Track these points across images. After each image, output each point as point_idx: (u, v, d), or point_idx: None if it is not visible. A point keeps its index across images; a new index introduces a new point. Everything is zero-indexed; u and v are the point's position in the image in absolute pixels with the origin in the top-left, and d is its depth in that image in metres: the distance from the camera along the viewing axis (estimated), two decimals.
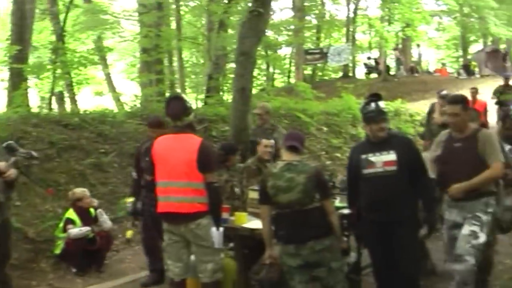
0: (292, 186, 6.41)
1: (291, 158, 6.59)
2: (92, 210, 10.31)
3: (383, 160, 6.71)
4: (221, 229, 6.86)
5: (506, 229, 7.95)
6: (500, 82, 24.23)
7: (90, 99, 33.10)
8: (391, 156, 6.69)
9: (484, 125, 8.77)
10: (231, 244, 8.06)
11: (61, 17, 24.65)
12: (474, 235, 6.60)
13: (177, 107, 6.93)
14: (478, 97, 18.19)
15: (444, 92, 14.92)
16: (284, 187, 6.44)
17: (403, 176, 6.67)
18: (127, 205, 9.36)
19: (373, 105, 6.84)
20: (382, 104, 6.89)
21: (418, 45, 44.68)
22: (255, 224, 7.53)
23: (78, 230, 9.84)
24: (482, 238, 6.62)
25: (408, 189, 6.72)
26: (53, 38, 25.91)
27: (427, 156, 7.34)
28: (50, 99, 23.05)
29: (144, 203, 9.04)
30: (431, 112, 14.77)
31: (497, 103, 19.52)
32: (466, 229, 6.67)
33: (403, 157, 6.68)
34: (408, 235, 6.74)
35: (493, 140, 6.88)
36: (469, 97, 16.91)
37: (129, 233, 10.28)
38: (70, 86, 26.32)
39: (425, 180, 6.87)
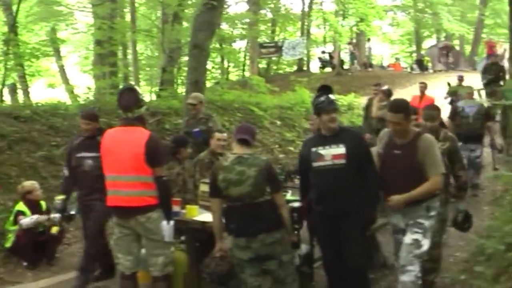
0: (242, 180, 6.41)
1: (242, 151, 6.59)
2: (42, 202, 10.22)
3: (332, 153, 6.72)
4: (172, 222, 6.86)
5: (464, 228, 8.10)
6: (452, 76, 24.50)
7: (44, 91, 32.82)
8: (340, 149, 6.70)
9: (443, 123, 8.69)
10: (183, 238, 8.05)
11: (14, 7, 24.31)
12: (416, 244, 6.55)
13: (129, 99, 6.90)
14: (428, 92, 18.16)
15: (386, 87, 15.08)
16: (234, 180, 6.44)
17: (352, 170, 6.68)
18: (57, 202, 8.84)
19: (323, 97, 6.87)
20: (332, 96, 6.93)
21: (368, 39, 44.68)
22: (207, 217, 7.52)
23: (29, 219, 9.76)
24: (425, 245, 6.60)
25: (357, 182, 6.72)
26: (5, 29, 25.57)
27: (374, 151, 7.35)
28: (1, 91, 22.77)
29: (78, 200, 8.82)
30: (368, 106, 15.05)
31: (450, 103, 19.56)
32: (408, 238, 6.63)
33: (352, 151, 6.69)
34: (356, 228, 6.76)
35: (433, 149, 6.70)
36: (418, 92, 17.35)
37: (54, 229, 10.12)
38: (23, 78, 26.02)
39: (372, 175, 6.90)
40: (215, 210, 6.69)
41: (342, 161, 6.67)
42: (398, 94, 30.82)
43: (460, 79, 22.17)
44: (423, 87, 17.94)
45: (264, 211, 6.47)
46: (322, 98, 6.86)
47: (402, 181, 6.60)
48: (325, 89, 7.03)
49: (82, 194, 8.61)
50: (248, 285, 6.62)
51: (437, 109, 8.15)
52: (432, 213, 6.71)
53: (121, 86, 23.59)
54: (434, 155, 6.64)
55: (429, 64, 40.77)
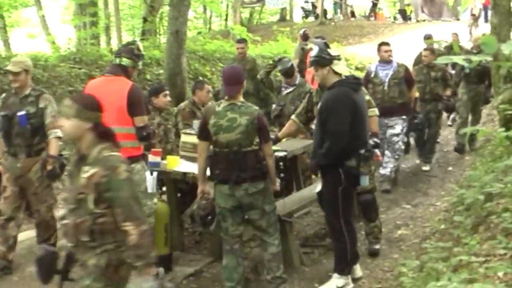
0: (233, 127, 6.38)
1: (234, 99, 6.53)
2: None
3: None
4: (155, 173, 6.88)
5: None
6: (436, 26, 24.26)
7: (25, 42, 32.52)
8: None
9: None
10: (164, 188, 8.07)
11: None
12: None
13: (123, 48, 7.06)
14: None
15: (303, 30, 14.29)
16: (225, 127, 6.40)
17: (319, 127, 6.72)
18: None
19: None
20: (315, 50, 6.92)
21: None
22: (188, 167, 7.54)
23: None
24: None
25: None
26: None
27: None
28: None
29: None
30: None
31: None
32: None
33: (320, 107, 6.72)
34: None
35: None
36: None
37: None
38: (3, 29, 25.81)
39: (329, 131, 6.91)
40: (201, 153, 6.66)
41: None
42: None
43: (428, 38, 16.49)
44: (308, 50, 14.17)
45: (250, 161, 6.45)
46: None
47: None
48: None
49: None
50: (229, 233, 6.65)
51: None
52: None
53: (102, 37, 23.58)
54: None
55: (413, 14, 40.71)
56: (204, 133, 6.59)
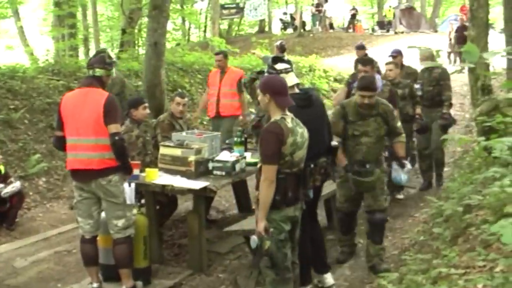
0: (303, 142, 5.80)
1: (285, 112, 5.84)
2: (1, 167, 10.08)
3: None
4: (133, 185, 6.82)
5: None
6: (414, 38, 24.31)
7: (2, 53, 32.42)
8: None
9: None
10: (143, 201, 8.02)
11: None
12: None
13: (94, 58, 6.90)
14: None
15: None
16: (300, 144, 5.75)
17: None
18: None
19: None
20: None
21: (326, 0, 44.28)
22: (167, 180, 7.51)
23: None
24: None
25: None
26: None
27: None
28: None
29: None
30: None
31: None
32: None
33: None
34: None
35: None
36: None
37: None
38: None
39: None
40: (274, 180, 5.64)
41: None
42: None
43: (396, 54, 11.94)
44: (220, 60, 12.31)
45: (305, 176, 6.06)
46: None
47: None
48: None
49: None
50: (288, 259, 5.98)
51: None
52: None
53: (81, 48, 23.56)
54: None
55: (392, 19, 40.90)
56: (278, 156, 5.63)
